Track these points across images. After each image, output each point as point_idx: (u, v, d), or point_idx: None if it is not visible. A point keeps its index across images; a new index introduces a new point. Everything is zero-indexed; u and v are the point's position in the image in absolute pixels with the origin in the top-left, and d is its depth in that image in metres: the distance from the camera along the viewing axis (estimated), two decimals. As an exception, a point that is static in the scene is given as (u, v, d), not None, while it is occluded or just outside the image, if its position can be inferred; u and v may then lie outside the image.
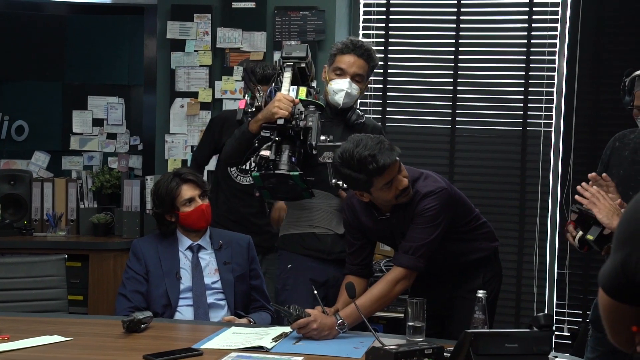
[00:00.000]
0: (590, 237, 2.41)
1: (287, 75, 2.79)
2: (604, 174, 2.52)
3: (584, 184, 2.47)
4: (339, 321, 2.45)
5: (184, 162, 4.34)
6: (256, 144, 2.72)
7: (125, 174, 4.66)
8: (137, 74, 4.78)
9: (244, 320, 2.80)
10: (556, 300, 4.22)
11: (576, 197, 2.47)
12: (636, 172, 2.67)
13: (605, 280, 1.29)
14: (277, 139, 2.68)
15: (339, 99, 2.88)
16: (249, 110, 2.78)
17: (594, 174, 2.51)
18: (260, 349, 2.31)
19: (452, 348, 2.07)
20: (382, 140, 2.49)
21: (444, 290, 2.74)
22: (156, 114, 4.49)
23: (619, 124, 2.96)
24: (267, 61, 4.19)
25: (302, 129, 2.68)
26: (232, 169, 3.65)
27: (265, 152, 2.64)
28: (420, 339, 2.35)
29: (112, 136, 4.84)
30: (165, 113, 4.45)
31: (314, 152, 2.68)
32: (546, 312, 4.07)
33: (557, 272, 4.21)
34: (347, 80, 2.87)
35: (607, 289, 1.29)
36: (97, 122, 4.83)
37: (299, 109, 2.71)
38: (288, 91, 2.75)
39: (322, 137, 2.70)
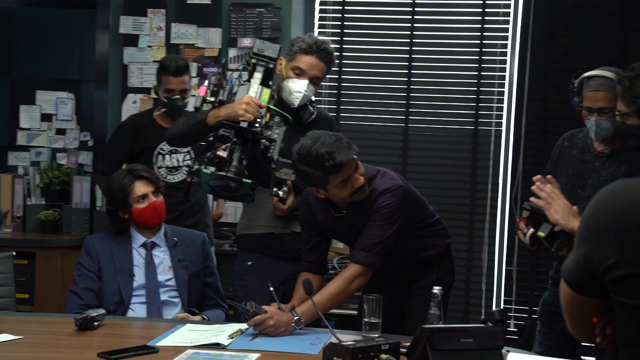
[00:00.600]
0: (541, 233, 2.47)
1: (257, 76, 2.73)
2: (548, 176, 2.53)
3: (538, 183, 2.48)
4: (296, 318, 2.45)
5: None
6: (210, 138, 2.69)
7: (74, 170, 4.57)
8: (89, 69, 4.69)
9: (197, 318, 2.78)
10: (504, 296, 4.31)
11: (531, 198, 2.49)
12: (584, 171, 2.73)
13: (568, 273, 1.33)
14: (234, 139, 2.66)
15: (295, 100, 2.84)
16: (208, 99, 2.74)
17: (539, 176, 2.51)
18: (216, 345, 2.30)
19: (408, 344, 2.10)
20: (340, 138, 2.50)
21: (398, 287, 2.77)
22: (108, 109, 4.42)
23: (568, 124, 3.03)
24: (179, 54, 4.17)
25: (265, 138, 2.65)
26: (161, 169, 3.61)
27: (222, 153, 2.61)
28: (377, 335, 2.38)
29: (61, 132, 4.73)
30: (117, 109, 4.38)
31: (273, 166, 2.66)
32: (495, 308, 4.17)
33: (505, 269, 4.30)
34: (306, 82, 2.83)
35: (570, 282, 1.33)
36: (46, 118, 4.72)
37: (260, 113, 2.69)
38: (256, 93, 2.71)
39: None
